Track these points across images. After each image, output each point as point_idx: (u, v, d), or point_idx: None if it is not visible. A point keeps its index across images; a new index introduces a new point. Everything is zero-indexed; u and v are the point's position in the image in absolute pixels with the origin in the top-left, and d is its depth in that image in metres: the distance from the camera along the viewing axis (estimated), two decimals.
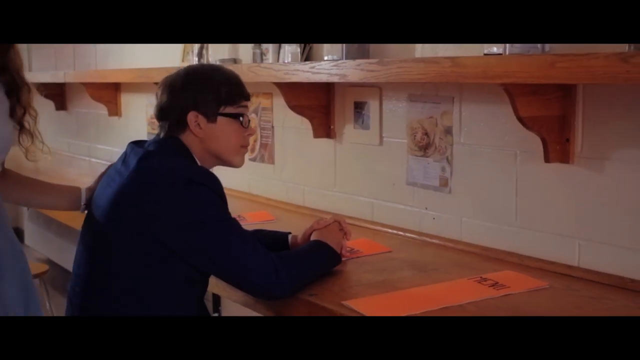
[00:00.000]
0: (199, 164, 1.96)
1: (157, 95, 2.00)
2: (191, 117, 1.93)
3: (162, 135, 1.98)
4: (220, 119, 1.95)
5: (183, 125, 1.95)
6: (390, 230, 2.59)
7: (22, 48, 5.99)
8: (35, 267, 3.99)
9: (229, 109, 1.97)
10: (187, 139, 1.95)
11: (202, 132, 1.94)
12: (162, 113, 1.98)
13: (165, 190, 1.81)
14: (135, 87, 4.28)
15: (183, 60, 3.76)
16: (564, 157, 2.04)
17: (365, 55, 2.53)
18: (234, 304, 2.18)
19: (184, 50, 3.78)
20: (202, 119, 1.94)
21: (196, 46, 3.50)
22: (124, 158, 1.96)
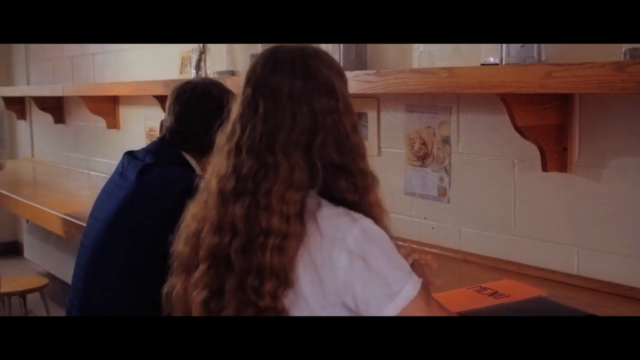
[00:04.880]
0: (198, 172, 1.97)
1: (182, 102, 1.99)
2: None
3: (172, 142, 1.98)
4: None
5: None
6: None
7: (21, 62, 6.00)
8: (35, 281, 4.00)
9: None
10: (192, 153, 1.97)
11: None
12: (191, 128, 1.97)
13: (165, 202, 1.81)
14: (134, 99, 4.29)
15: (181, 73, 3.78)
16: (562, 166, 2.05)
17: (362, 66, 2.54)
18: None
19: (182, 63, 3.80)
20: None
21: (194, 58, 3.51)
22: (122, 170, 1.96)
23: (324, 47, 2.55)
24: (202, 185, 1.42)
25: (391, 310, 1.27)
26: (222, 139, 1.36)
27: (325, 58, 1.38)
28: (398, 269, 1.30)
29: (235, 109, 1.36)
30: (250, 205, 1.29)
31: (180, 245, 1.41)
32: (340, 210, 1.31)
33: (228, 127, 1.36)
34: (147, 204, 1.83)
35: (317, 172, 1.31)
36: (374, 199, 1.36)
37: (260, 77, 1.35)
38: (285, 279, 1.26)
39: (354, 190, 1.33)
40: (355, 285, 1.27)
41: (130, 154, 2.01)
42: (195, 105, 1.97)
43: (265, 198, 1.28)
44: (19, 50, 6.09)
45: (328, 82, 1.34)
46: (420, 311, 1.29)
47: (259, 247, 1.27)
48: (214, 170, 1.37)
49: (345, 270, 1.26)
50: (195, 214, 1.40)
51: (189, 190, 1.81)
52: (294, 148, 1.30)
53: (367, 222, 1.30)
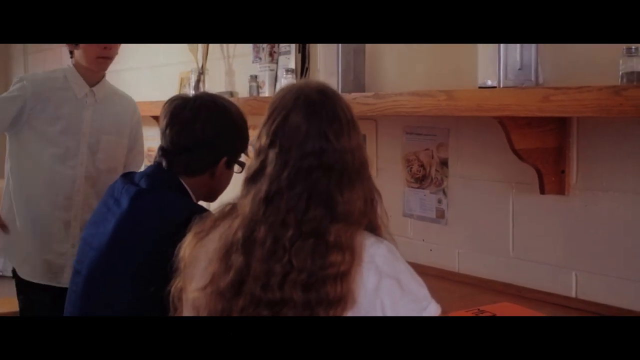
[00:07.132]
0: (194, 199, 1.94)
1: (174, 124, 1.93)
2: (221, 164, 1.93)
3: (168, 168, 1.94)
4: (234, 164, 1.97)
5: (204, 168, 1.94)
6: None
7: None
8: None
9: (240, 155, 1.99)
10: (189, 178, 1.93)
11: (217, 178, 1.95)
12: (186, 151, 1.92)
13: (163, 231, 1.74)
14: None
15: (179, 93, 3.78)
16: (560, 188, 2.05)
17: (360, 88, 2.55)
18: None
19: (181, 83, 3.81)
20: (223, 166, 1.95)
21: (192, 79, 3.52)
22: (116, 195, 1.92)
23: (321, 54, 2.55)
24: (224, 236, 1.38)
25: None
26: (267, 181, 1.35)
27: (339, 97, 1.43)
28: (423, 287, 1.37)
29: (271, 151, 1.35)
30: (316, 245, 1.30)
31: (205, 298, 1.36)
32: (363, 231, 1.36)
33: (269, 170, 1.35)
34: (143, 232, 1.80)
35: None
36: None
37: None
38: (349, 301, 1.29)
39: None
40: (385, 302, 1.30)
41: (126, 177, 1.97)
42: (179, 132, 1.91)
43: (334, 236, 1.31)
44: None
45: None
46: None
47: (328, 278, 1.28)
48: (250, 217, 1.35)
49: (374, 288, 1.30)
50: (226, 267, 1.35)
51: (188, 221, 1.73)
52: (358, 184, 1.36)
53: (389, 243, 1.38)
